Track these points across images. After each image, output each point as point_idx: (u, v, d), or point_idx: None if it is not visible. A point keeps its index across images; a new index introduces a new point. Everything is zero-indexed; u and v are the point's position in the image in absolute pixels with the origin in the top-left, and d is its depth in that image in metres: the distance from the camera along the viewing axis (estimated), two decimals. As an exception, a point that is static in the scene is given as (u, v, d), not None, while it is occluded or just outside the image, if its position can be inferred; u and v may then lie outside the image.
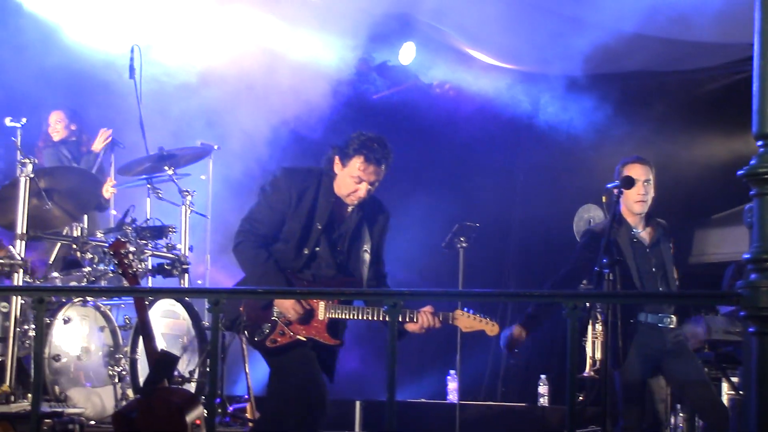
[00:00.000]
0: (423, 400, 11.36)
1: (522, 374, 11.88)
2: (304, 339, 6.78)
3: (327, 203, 6.95)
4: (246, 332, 6.81)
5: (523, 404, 11.04)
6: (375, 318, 6.72)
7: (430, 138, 12.48)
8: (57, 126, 10.54)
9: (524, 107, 11.97)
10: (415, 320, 6.71)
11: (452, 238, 10.02)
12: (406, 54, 12.25)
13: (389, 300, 4.57)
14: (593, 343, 10.37)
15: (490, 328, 6.79)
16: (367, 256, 7.04)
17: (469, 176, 12.35)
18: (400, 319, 6.64)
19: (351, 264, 7.04)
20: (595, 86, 11.56)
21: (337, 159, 6.92)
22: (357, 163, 6.81)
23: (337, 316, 6.81)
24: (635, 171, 7.69)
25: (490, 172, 12.34)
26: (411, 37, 12.14)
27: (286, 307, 6.75)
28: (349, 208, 6.99)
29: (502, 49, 11.75)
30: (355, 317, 6.80)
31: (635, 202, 7.70)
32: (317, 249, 6.94)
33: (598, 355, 10.15)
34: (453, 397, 10.73)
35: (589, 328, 10.19)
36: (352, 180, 6.86)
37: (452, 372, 10.90)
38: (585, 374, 10.29)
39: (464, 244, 9.91)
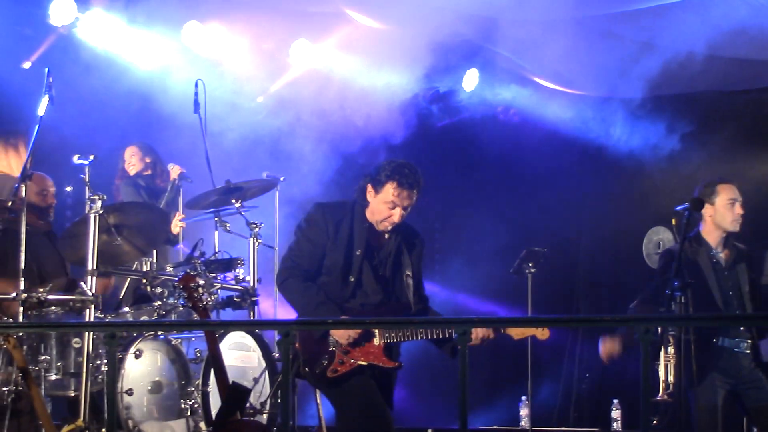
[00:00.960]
0: (495, 427, 11.27)
1: (594, 398, 11.77)
2: (365, 363, 6.81)
3: (362, 230, 7.09)
4: (306, 368, 6.84)
5: (596, 429, 10.92)
6: (428, 338, 6.91)
7: (496, 164, 12.45)
8: (132, 160, 10.72)
9: (592, 131, 11.90)
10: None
11: (520, 264, 9.98)
12: (470, 81, 12.28)
13: (459, 328, 4.55)
14: (666, 366, 10.23)
15: (541, 332, 6.83)
16: (410, 281, 7.15)
17: (536, 201, 12.29)
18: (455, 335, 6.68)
19: (396, 289, 7.11)
20: (664, 108, 11.48)
21: (369, 187, 7.03)
22: (390, 188, 6.96)
23: (392, 340, 6.92)
24: (729, 191, 7.66)
25: (557, 197, 12.27)
26: (474, 64, 12.17)
27: (341, 334, 6.80)
28: (386, 235, 7.10)
29: (567, 74, 11.70)
30: (410, 339, 6.97)
31: (732, 221, 7.67)
32: (361, 276, 7.01)
33: (671, 379, 10.02)
34: (525, 423, 10.64)
35: (662, 351, 10.06)
36: (386, 206, 7.00)
37: (524, 398, 10.81)
38: (658, 398, 10.15)
39: (533, 270, 9.86)
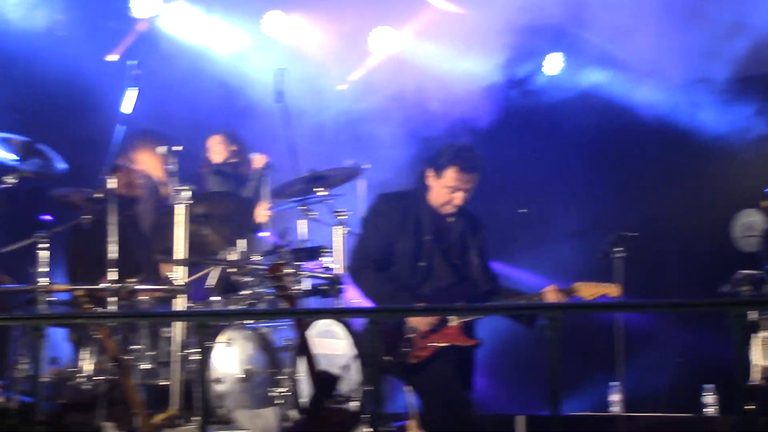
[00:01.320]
0: (586, 412, 11.17)
1: (688, 383, 11.61)
2: (446, 345, 6.82)
3: (428, 215, 7.21)
4: (388, 356, 6.87)
5: (691, 414, 10.77)
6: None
7: (581, 148, 12.32)
8: (217, 148, 10.76)
9: (680, 115, 11.73)
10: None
11: (609, 248, 9.85)
12: (554, 65, 12.17)
13: (548, 314, 4.51)
14: (762, 350, 10.06)
15: (613, 289, 6.83)
16: (476, 260, 7.26)
17: (624, 185, 12.16)
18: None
19: (465, 270, 7.23)
20: (753, 90, 11.28)
21: (430, 172, 7.08)
22: (451, 173, 7.08)
23: (468, 319, 7.01)
24: None
25: (645, 181, 12.12)
26: (558, 47, 12.08)
27: (419, 320, 6.83)
28: (449, 219, 7.19)
29: (654, 56, 11.55)
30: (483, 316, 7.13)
31: None
32: (431, 261, 7.05)
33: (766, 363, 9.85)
34: (617, 408, 10.52)
35: (757, 334, 9.90)
36: (447, 190, 7.11)
37: (615, 383, 10.69)
38: (754, 382, 9.98)
39: (622, 254, 9.73)
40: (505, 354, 10.82)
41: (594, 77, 12.11)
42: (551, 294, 6.88)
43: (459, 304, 7.06)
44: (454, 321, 6.95)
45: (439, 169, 7.11)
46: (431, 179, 7.15)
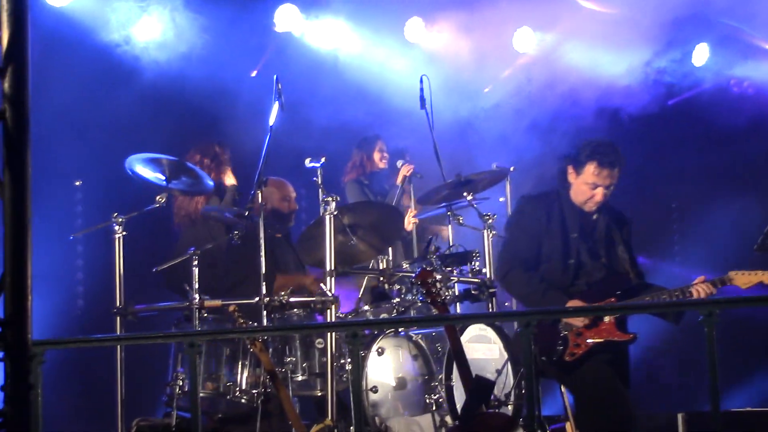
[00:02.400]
0: (749, 408, 10.90)
1: None
2: (601, 341, 6.75)
3: (573, 213, 7.17)
4: (543, 357, 6.84)
5: None
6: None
7: (731, 138, 12.06)
8: (382, 155, 10.78)
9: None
10: (691, 296, 6.69)
11: (765, 240, 9.59)
12: (700, 55, 12.00)
13: (704, 309, 4.44)
14: None
15: None
16: (625, 255, 7.19)
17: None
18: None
19: (614, 264, 7.18)
20: None
21: (570, 169, 7.10)
22: (591, 169, 7.03)
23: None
24: None
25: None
26: (704, 37, 11.87)
27: (574, 318, 6.80)
28: (594, 216, 7.14)
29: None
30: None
31: None
32: (580, 258, 7.11)
33: None
34: (784, 404, 10.28)
35: None
36: (587, 186, 7.06)
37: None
38: None
39: (778, 245, 9.47)
40: (663, 349, 10.65)
41: (741, 65, 11.87)
42: (700, 286, 6.77)
43: (609, 303, 6.97)
44: (608, 317, 6.90)
45: (578, 166, 7.08)
46: (572, 176, 7.13)
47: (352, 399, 7.72)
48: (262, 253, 8.23)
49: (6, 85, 3.55)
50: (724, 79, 12.07)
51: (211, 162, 9.67)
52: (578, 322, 6.87)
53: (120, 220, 8.50)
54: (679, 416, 9.81)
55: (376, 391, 8.18)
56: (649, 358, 7.26)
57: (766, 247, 9.59)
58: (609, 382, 6.83)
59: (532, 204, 7.24)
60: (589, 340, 6.84)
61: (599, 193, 7.04)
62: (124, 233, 8.51)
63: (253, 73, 11.27)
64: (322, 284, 8.38)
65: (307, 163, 9.70)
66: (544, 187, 7.90)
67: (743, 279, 6.77)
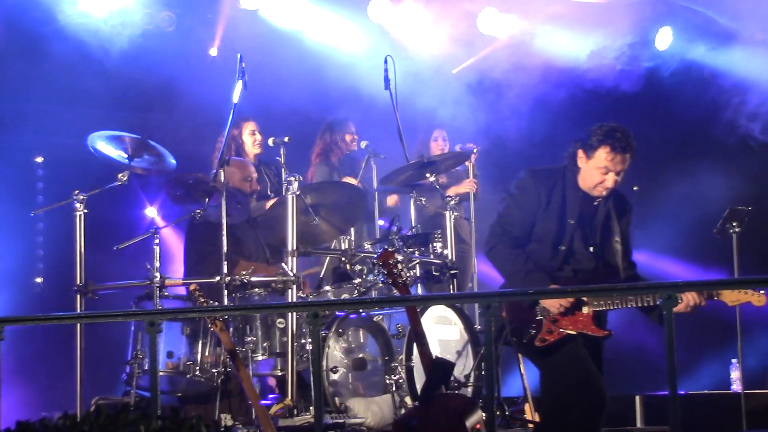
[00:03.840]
0: (705, 391, 11.00)
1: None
2: (575, 333, 6.72)
3: (575, 198, 6.96)
4: (514, 337, 6.78)
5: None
6: (639, 305, 6.71)
7: (693, 122, 12.11)
8: (350, 137, 10.71)
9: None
10: (680, 300, 6.59)
11: (723, 224, 9.64)
12: (663, 39, 11.99)
13: (664, 292, 4.47)
14: None
15: (757, 298, 6.62)
16: (619, 247, 7.01)
17: (737, 159, 11.91)
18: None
19: (606, 255, 7.02)
20: None
21: (580, 152, 6.90)
22: (603, 153, 6.80)
23: (602, 308, 6.80)
24: None
25: (760, 154, 11.86)
26: (666, 21, 11.87)
27: (551, 303, 6.71)
28: (596, 202, 6.97)
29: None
30: (618, 306, 6.82)
31: None
32: (572, 245, 6.94)
33: None
34: (737, 386, 10.34)
35: None
36: (598, 171, 6.84)
37: (734, 360, 10.50)
38: None
39: (737, 229, 9.52)
40: (623, 333, 10.70)
41: (705, 49, 11.88)
42: (691, 294, 6.65)
43: (575, 286, 6.86)
44: (587, 308, 6.81)
45: (589, 150, 6.84)
46: (581, 160, 6.90)
47: (312, 379, 7.76)
48: (224, 233, 8.20)
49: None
50: (686, 64, 12.08)
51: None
52: (554, 308, 6.78)
53: (81, 197, 8.41)
54: (637, 398, 9.89)
55: (336, 372, 8.18)
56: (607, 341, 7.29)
57: (725, 232, 9.66)
58: (584, 366, 6.75)
59: (534, 180, 6.99)
60: (562, 330, 6.78)
61: (610, 179, 6.82)
62: (86, 211, 8.43)
63: (213, 50, 11.19)
64: (283, 264, 8.35)
65: (270, 142, 9.68)
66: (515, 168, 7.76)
67: (731, 296, 6.71)
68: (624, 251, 7.06)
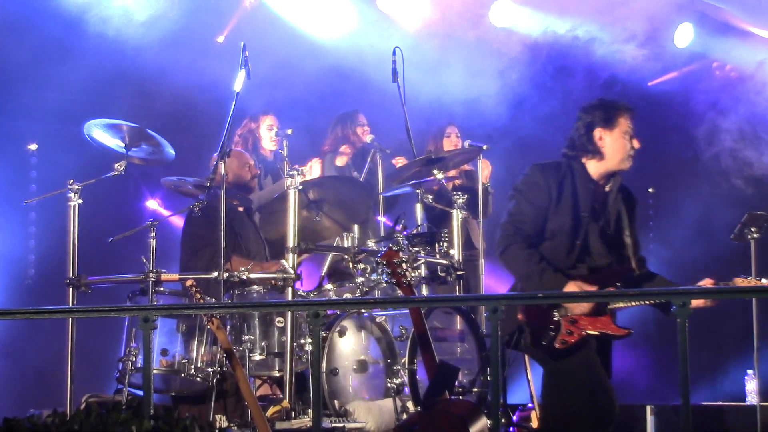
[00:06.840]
0: (720, 402, 10.79)
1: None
2: (596, 333, 6.54)
3: (587, 190, 6.82)
4: (530, 339, 6.58)
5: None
6: (656, 302, 6.70)
7: (711, 123, 11.91)
8: (362, 128, 10.49)
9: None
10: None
11: (742, 229, 9.44)
12: (683, 36, 11.85)
13: (678, 299, 4.30)
14: None
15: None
16: (629, 240, 6.91)
17: (757, 162, 11.71)
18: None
19: (620, 250, 6.90)
20: None
21: (599, 132, 6.81)
22: (622, 119, 6.85)
23: (621, 306, 6.73)
24: None
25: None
26: (687, 18, 11.75)
27: (573, 304, 6.54)
28: (607, 187, 6.87)
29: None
30: (637, 304, 6.86)
31: None
32: (588, 239, 6.79)
33: None
34: (752, 398, 10.12)
35: None
36: (625, 138, 6.83)
37: (750, 371, 10.29)
38: None
39: (756, 235, 9.31)
40: (637, 341, 10.54)
41: (725, 48, 11.74)
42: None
43: (583, 291, 6.70)
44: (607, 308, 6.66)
45: (610, 122, 6.81)
46: (603, 139, 6.80)
47: (311, 381, 7.61)
48: (223, 227, 8.05)
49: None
50: (707, 62, 11.93)
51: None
52: (576, 309, 6.58)
53: (76, 187, 8.28)
54: (648, 408, 9.69)
55: (336, 374, 8.06)
56: (618, 349, 7.13)
57: (743, 236, 9.44)
58: (595, 371, 6.61)
59: (543, 174, 6.83)
60: (583, 331, 6.58)
61: (636, 142, 6.85)
62: (80, 201, 8.29)
63: (221, 39, 11.05)
64: (283, 261, 8.16)
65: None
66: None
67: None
68: (634, 245, 6.95)
